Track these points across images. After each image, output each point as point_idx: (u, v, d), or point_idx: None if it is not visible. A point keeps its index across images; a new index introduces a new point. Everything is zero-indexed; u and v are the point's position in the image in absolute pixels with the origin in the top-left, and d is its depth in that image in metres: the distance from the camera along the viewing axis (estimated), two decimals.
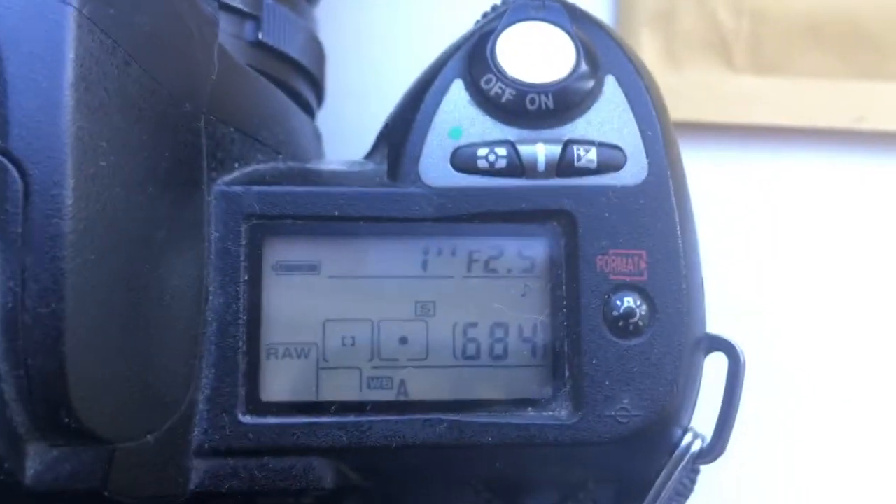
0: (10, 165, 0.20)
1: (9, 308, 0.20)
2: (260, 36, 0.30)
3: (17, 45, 0.20)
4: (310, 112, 0.33)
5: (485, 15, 0.28)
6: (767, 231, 0.39)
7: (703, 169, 0.30)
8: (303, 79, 0.32)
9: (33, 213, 0.20)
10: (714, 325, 0.27)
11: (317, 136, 0.33)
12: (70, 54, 0.21)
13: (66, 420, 0.20)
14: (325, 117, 0.36)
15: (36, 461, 0.21)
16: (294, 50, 0.31)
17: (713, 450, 0.26)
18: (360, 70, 0.41)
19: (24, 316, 0.20)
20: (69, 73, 0.20)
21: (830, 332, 0.38)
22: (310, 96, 0.33)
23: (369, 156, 0.28)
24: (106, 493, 0.21)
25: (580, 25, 0.26)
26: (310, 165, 0.27)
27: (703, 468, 0.26)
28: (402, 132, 0.26)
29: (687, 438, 0.26)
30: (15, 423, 0.20)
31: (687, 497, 0.27)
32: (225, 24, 0.28)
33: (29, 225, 0.20)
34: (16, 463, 0.20)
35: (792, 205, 0.39)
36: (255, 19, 0.30)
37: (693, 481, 0.27)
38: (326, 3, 0.36)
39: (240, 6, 0.29)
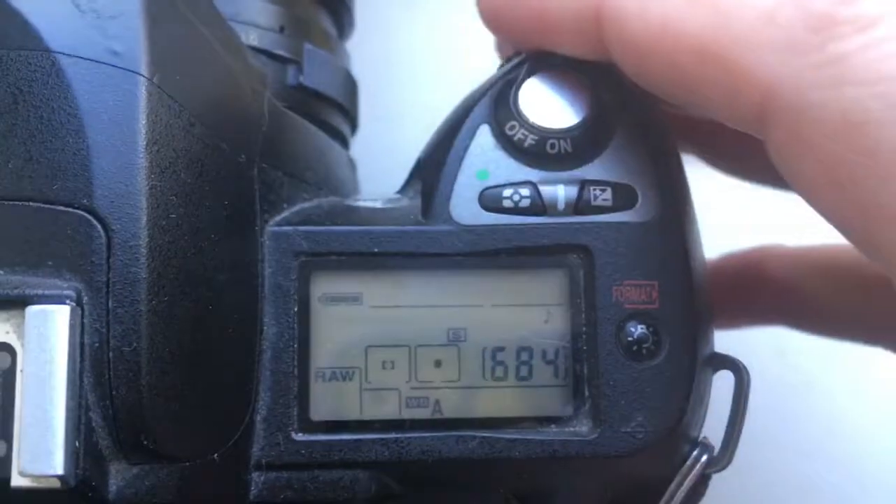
0: (95, 222, 0.22)
1: (95, 347, 0.22)
2: (301, 80, 0.32)
3: (96, 114, 0.23)
4: (345, 144, 0.36)
5: (508, 59, 0.30)
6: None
7: None
8: (339, 114, 0.35)
9: (115, 263, 0.23)
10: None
11: (352, 166, 0.36)
12: (143, 120, 0.23)
13: (145, 443, 0.23)
14: (357, 141, 0.38)
15: (118, 479, 0.23)
16: (332, 89, 0.34)
17: (721, 460, 0.28)
18: (387, 94, 0.43)
19: (109, 353, 0.22)
20: (142, 137, 0.23)
21: None
22: (345, 129, 0.36)
23: (403, 190, 0.31)
24: None
25: (594, 72, 0.28)
26: (350, 202, 0.30)
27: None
28: (434, 173, 0.28)
29: (699, 448, 0.28)
30: (100, 447, 0.23)
31: (697, 502, 0.29)
32: (269, 70, 0.31)
33: (111, 274, 0.23)
34: (101, 480, 0.23)
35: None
36: (297, 64, 0.32)
37: (703, 489, 0.29)
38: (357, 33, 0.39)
39: (283, 53, 0.32)
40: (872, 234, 0.22)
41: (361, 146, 0.38)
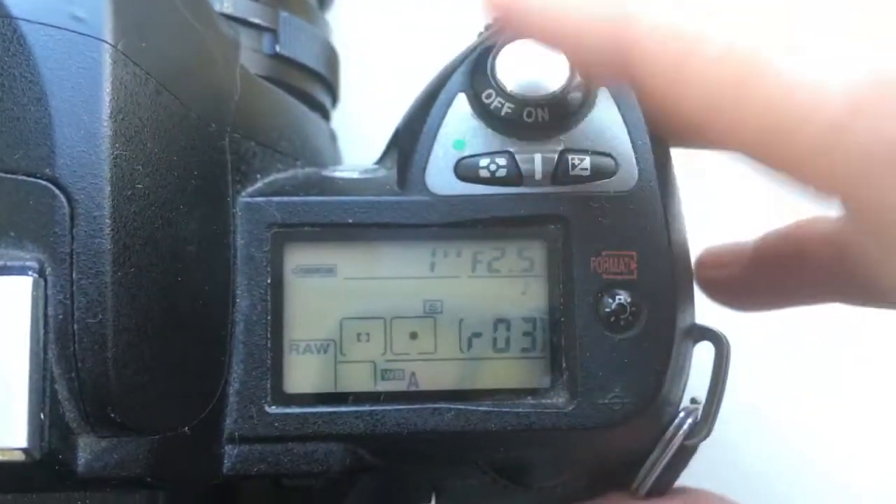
0: (58, 192, 0.22)
1: (59, 319, 0.22)
2: (277, 48, 0.32)
3: (59, 81, 0.23)
4: (325, 115, 0.35)
5: (487, 27, 0.30)
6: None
7: None
8: (318, 85, 0.34)
9: (78, 234, 0.22)
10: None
11: (332, 137, 0.36)
12: (107, 88, 0.23)
13: (113, 415, 0.23)
14: (339, 115, 0.38)
15: (86, 452, 0.23)
16: (309, 58, 0.33)
17: (701, 431, 0.28)
18: (370, 67, 0.42)
19: (73, 325, 0.22)
20: (107, 106, 0.23)
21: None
22: (325, 100, 0.35)
23: (381, 160, 0.30)
24: (148, 479, 0.24)
25: None
26: (325, 173, 0.29)
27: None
28: (410, 143, 0.28)
29: (679, 419, 0.28)
30: (67, 419, 0.23)
31: (678, 472, 0.29)
32: (244, 38, 0.30)
33: (75, 245, 0.22)
34: (68, 454, 0.23)
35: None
36: (273, 32, 0.32)
37: (688, 457, 0.29)
38: (338, 4, 0.38)
39: (258, 21, 0.31)
40: None
41: (345, 117, 0.38)
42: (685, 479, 0.29)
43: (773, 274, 0.31)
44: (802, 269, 0.32)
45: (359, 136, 0.37)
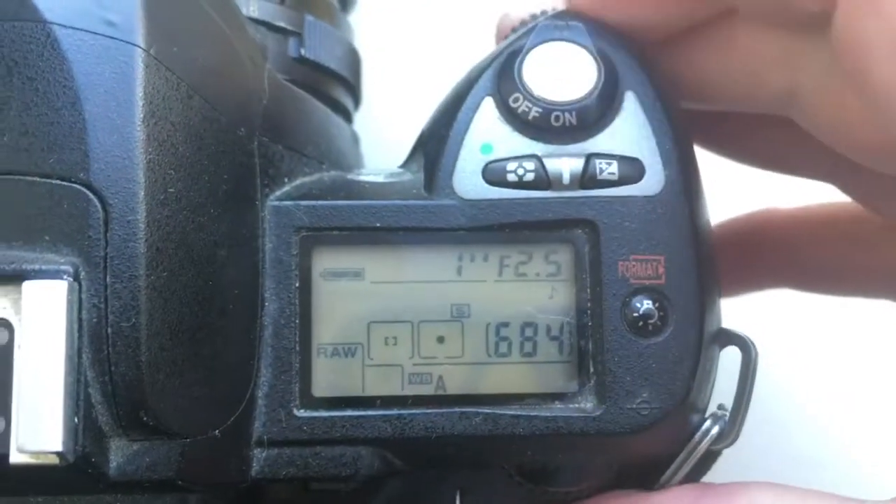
0: (92, 196, 0.22)
1: (94, 323, 0.22)
2: (302, 52, 0.32)
3: (93, 86, 0.23)
4: (348, 117, 0.36)
5: (514, 31, 0.30)
6: None
7: None
8: (342, 87, 0.34)
9: (112, 238, 0.22)
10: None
11: (355, 139, 0.36)
12: (140, 92, 0.23)
13: (145, 419, 0.23)
14: (360, 117, 0.38)
15: (118, 455, 0.23)
16: (333, 62, 0.33)
17: (728, 436, 0.28)
18: (391, 69, 0.42)
19: (107, 329, 0.22)
20: (139, 110, 0.23)
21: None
22: (348, 102, 0.35)
23: (406, 163, 0.30)
24: (179, 482, 0.24)
25: (602, 43, 0.28)
26: (352, 177, 0.29)
27: None
28: (437, 146, 0.28)
29: (706, 424, 0.28)
30: (100, 423, 0.23)
31: (701, 477, 0.29)
32: (270, 42, 0.30)
33: (109, 249, 0.22)
34: (101, 457, 0.23)
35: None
36: (298, 36, 0.32)
37: (711, 463, 0.29)
38: (360, 6, 0.38)
39: (284, 25, 0.31)
40: None
41: (366, 119, 0.38)
42: None
43: (732, 260, 0.32)
44: (761, 256, 0.33)
45: (380, 138, 0.37)
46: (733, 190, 0.35)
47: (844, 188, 0.32)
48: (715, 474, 0.29)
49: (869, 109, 0.24)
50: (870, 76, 0.23)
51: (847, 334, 0.40)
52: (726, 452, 0.29)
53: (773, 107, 0.29)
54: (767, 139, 0.32)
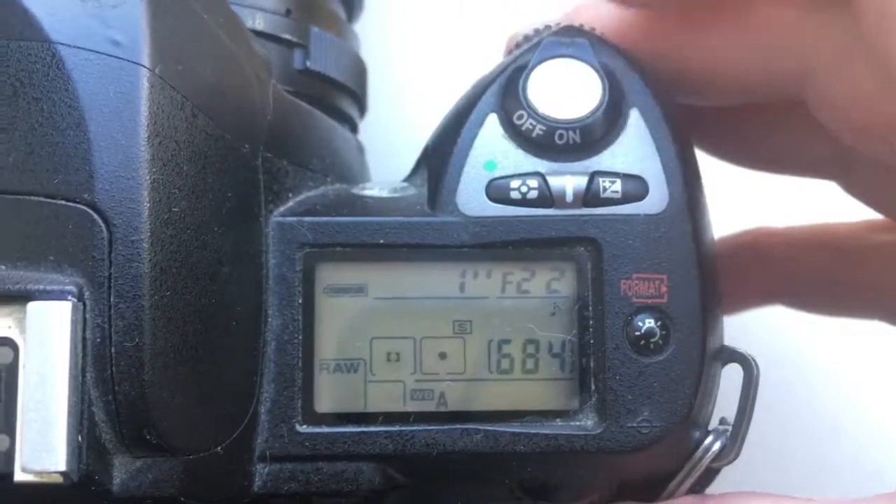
0: (96, 217, 0.22)
1: (97, 342, 0.22)
2: (308, 63, 0.32)
3: (97, 106, 0.23)
4: (353, 128, 0.36)
5: (518, 45, 0.30)
6: None
7: None
8: (347, 98, 0.34)
9: (117, 258, 0.22)
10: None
11: (360, 150, 0.36)
12: (145, 112, 0.23)
13: (148, 437, 0.23)
14: (366, 127, 0.38)
15: (122, 472, 0.23)
16: (339, 72, 0.33)
17: (729, 453, 0.28)
18: (397, 78, 0.42)
19: (111, 349, 0.22)
20: (144, 130, 0.23)
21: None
22: (353, 113, 0.35)
23: (410, 177, 0.30)
24: (182, 498, 0.24)
25: (607, 60, 0.28)
26: (355, 191, 0.29)
27: None
28: (440, 162, 0.28)
29: (708, 440, 0.28)
30: (103, 441, 0.23)
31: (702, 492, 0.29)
32: (274, 54, 0.30)
33: (113, 269, 0.22)
34: (104, 474, 0.23)
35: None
36: (303, 48, 0.32)
37: (712, 478, 0.29)
38: (366, 15, 0.38)
39: (289, 37, 0.31)
40: None
41: (372, 128, 0.38)
42: None
43: (724, 278, 0.32)
44: (753, 274, 0.34)
45: (386, 146, 0.37)
46: (734, 206, 0.35)
47: (846, 185, 0.32)
48: (713, 486, 0.29)
49: (889, 82, 0.24)
50: (893, 47, 0.23)
51: (847, 350, 0.40)
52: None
53: (786, 89, 0.28)
54: (769, 138, 0.32)
